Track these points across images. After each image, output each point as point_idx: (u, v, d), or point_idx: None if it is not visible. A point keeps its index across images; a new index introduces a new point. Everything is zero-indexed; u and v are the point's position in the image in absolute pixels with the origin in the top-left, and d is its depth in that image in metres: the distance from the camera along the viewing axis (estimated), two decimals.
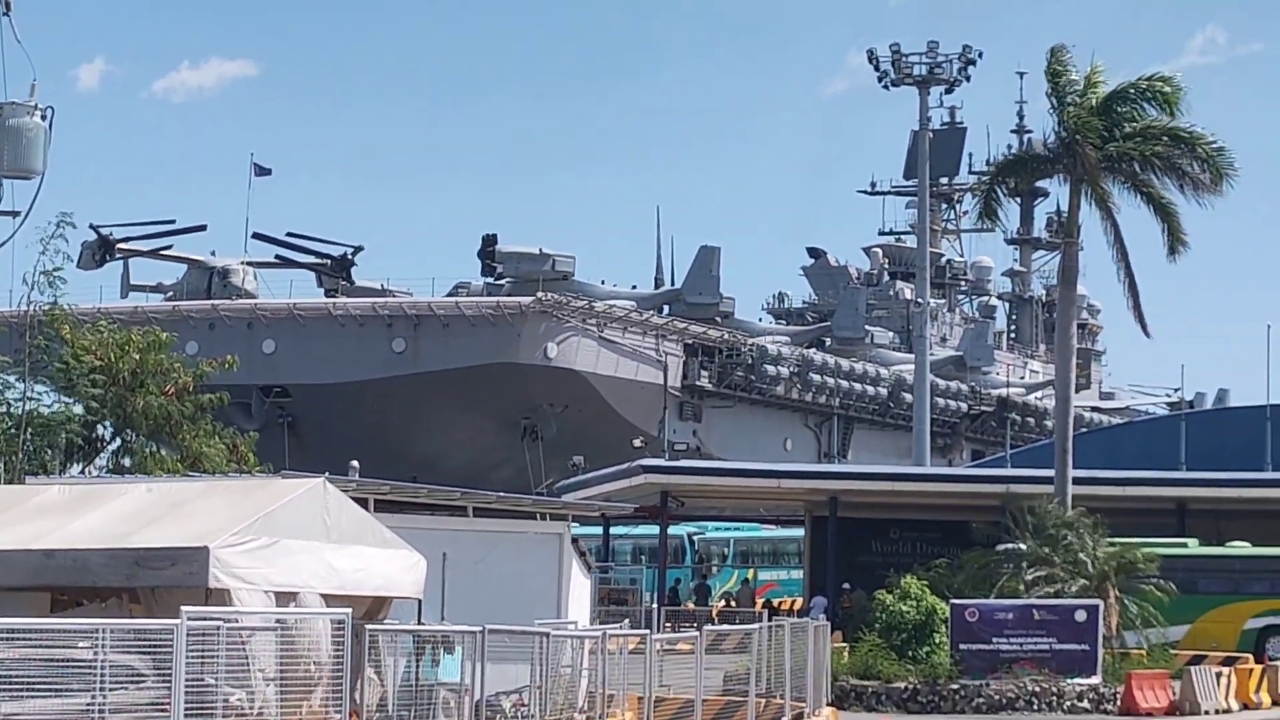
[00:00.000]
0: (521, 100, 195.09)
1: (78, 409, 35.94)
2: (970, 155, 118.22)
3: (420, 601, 21.69)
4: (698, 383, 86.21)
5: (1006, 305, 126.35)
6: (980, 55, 72.80)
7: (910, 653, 36.41)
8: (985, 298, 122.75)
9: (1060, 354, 46.03)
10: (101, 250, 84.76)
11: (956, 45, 72.88)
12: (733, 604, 56.73)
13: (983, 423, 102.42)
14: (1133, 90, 43.08)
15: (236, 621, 17.23)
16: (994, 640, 36.10)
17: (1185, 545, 44.22)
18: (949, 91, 76.50)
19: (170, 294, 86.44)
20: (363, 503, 22.84)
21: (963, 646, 36.06)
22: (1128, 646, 38.14)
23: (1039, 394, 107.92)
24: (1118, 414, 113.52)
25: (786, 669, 27.89)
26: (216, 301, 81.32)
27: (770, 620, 31.61)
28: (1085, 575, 38.45)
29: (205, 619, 16.69)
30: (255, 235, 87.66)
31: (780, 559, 67.60)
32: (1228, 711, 36.24)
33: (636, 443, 73.75)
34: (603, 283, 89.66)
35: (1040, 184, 74.72)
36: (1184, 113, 42.91)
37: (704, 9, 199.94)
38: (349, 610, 18.03)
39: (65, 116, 28.69)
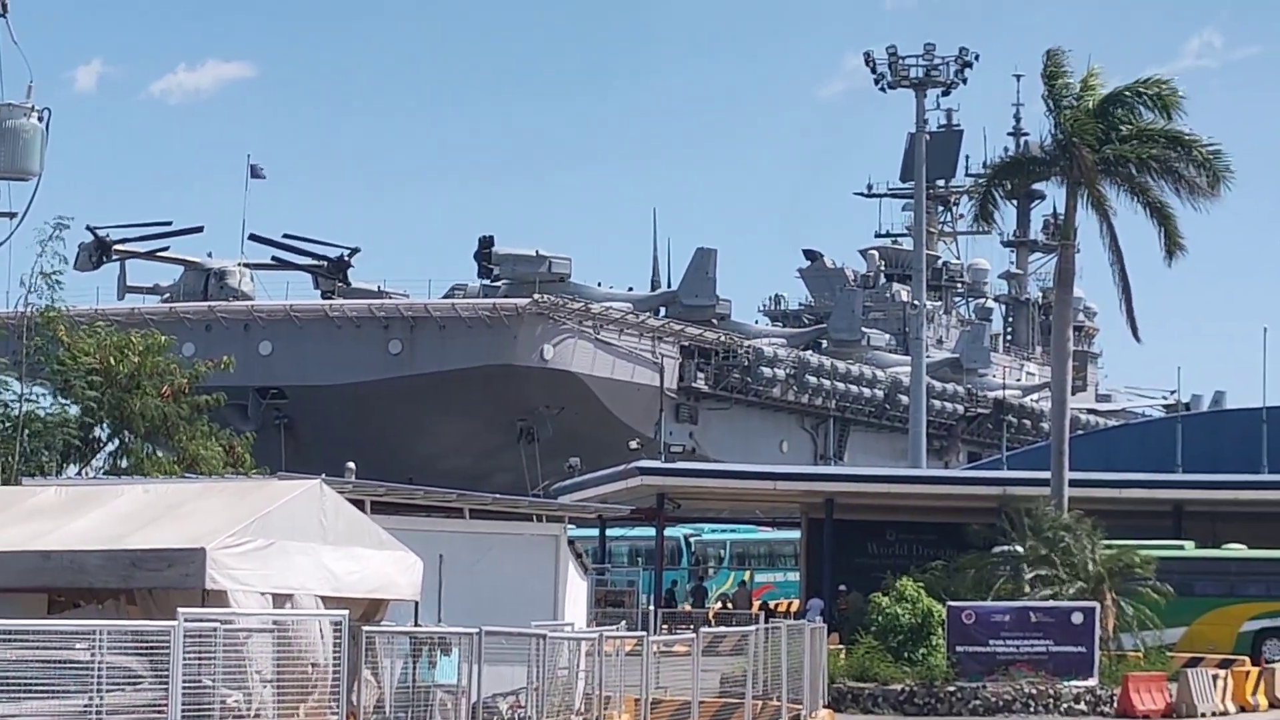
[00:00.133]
0: (518, 102, 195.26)
1: (74, 410, 35.89)
2: (967, 158, 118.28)
3: (417, 603, 21.68)
4: (694, 384, 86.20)
5: (1003, 307, 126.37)
6: (977, 58, 72.98)
7: (907, 655, 36.40)
8: (981, 300, 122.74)
9: (1056, 356, 46.05)
10: (98, 252, 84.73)
11: (953, 48, 73.06)
12: (729, 606, 56.70)
13: (979, 425, 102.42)
14: (1129, 93, 43.10)
15: (233, 623, 17.23)
16: (991, 642, 36.11)
17: (1182, 547, 44.26)
18: (946, 94, 76.69)
19: (167, 295, 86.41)
20: (359, 504, 22.82)
21: (959, 648, 36.07)
22: (1124, 649, 38.18)
23: (1035, 396, 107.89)
24: (1114, 416, 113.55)
25: (783, 671, 27.90)
26: (213, 303, 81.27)
27: (767, 622, 31.62)
28: (1082, 577, 38.47)
29: (202, 620, 16.69)
30: (252, 237, 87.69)
31: (777, 561, 67.61)
32: (1224, 714, 36.26)
33: (633, 444, 73.70)
34: (599, 284, 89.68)
35: (1037, 186, 74.65)
36: (1181, 116, 43.02)
37: (700, 11, 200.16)
38: (346, 612, 18.04)
39: (62, 118, 28.64)
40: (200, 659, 16.55)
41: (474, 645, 19.80)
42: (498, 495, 33.85)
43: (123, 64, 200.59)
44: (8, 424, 33.79)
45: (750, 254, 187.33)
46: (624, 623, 38.62)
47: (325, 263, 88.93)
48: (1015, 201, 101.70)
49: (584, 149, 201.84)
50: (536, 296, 78.43)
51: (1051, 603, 37.24)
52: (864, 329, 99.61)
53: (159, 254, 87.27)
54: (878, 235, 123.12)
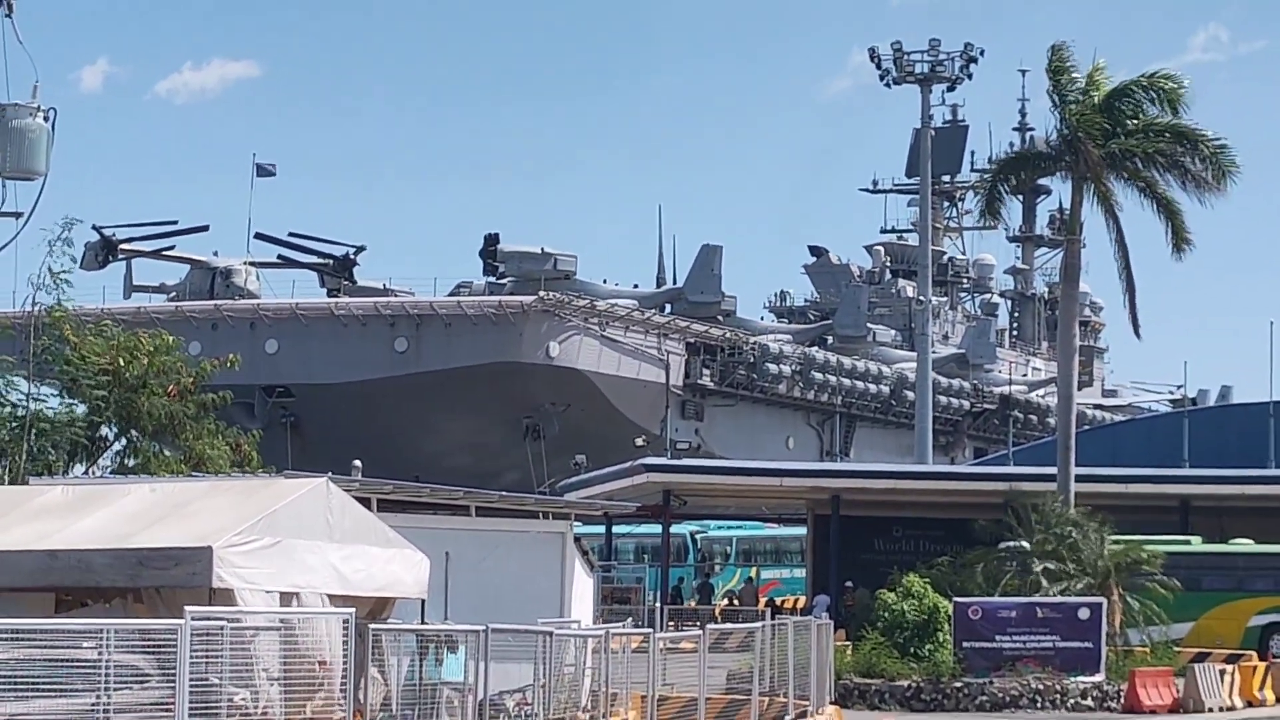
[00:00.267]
0: (523, 100, 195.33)
1: (81, 410, 35.91)
2: (972, 153, 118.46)
3: (423, 601, 21.68)
4: (700, 381, 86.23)
5: (1009, 303, 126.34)
6: (982, 53, 72.91)
7: (913, 651, 36.42)
8: (987, 295, 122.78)
9: (1063, 351, 46.03)
10: (104, 251, 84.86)
11: (958, 43, 73.05)
12: (736, 602, 56.68)
13: (985, 420, 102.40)
14: (1135, 87, 43.02)
15: (240, 621, 17.24)
16: (997, 638, 36.10)
17: (1188, 542, 44.21)
18: (951, 89, 76.64)
19: (173, 294, 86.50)
20: (366, 502, 22.85)
21: (966, 644, 36.07)
22: (1131, 644, 38.15)
23: (1041, 391, 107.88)
24: (1120, 411, 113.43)
25: (790, 667, 27.88)
26: (219, 302, 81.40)
27: (773, 619, 31.61)
28: (1089, 573, 38.45)
29: (209, 619, 16.71)
30: (258, 235, 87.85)
31: (783, 557, 67.63)
32: (1232, 709, 36.23)
33: (639, 441, 73.77)
34: (605, 282, 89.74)
35: (1042, 181, 74.51)
36: (1186, 110, 42.92)
37: (705, 8, 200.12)
38: (353, 610, 18.06)
39: (68, 118, 28.75)
40: (207, 657, 16.56)
41: (480, 643, 19.80)
42: (504, 493, 33.87)
43: (128, 63, 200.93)
44: (15, 424, 33.82)
45: (756, 250, 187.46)
46: (630, 620, 38.64)
47: (331, 261, 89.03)
48: (1021, 197, 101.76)
49: (589, 146, 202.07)
50: (542, 294, 78.47)
51: (1058, 598, 37.22)
52: (870, 325, 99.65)
53: (165, 253, 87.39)
54: (883, 231, 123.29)
